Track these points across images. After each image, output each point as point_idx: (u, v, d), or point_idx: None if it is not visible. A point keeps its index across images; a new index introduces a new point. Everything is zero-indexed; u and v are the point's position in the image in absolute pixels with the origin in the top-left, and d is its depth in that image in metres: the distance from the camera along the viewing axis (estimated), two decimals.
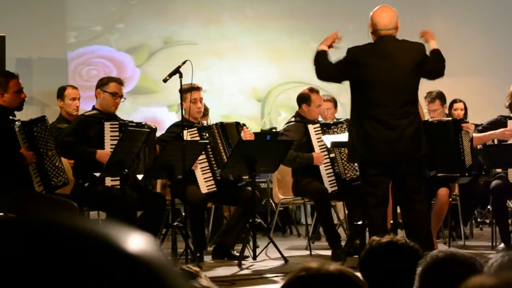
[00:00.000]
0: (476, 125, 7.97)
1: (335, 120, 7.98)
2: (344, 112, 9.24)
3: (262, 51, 11.37)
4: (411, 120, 6.22)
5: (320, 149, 7.57)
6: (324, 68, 6.41)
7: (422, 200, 6.38)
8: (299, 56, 10.90)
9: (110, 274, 0.66)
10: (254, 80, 11.38)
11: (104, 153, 6.64)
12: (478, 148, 7.41)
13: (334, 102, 8.26)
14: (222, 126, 7.53)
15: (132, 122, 7.11)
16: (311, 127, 7.61)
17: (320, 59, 6.43)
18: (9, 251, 0.65)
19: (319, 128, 7.62)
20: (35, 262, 0.65)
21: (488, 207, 8.58)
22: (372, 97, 6.18)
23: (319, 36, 7.17)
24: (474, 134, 7.47)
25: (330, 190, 7.48)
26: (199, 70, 10.48)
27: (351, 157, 6.61)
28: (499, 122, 7.58)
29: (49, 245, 0.66)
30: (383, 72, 6.17)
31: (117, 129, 6.81)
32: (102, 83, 7.04)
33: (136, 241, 0.69)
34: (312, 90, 7.80)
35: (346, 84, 6.44)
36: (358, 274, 2.97)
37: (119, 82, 7.07)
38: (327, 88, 8.91)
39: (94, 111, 7.00)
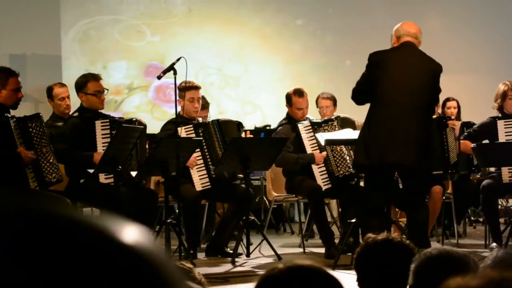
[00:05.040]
0: (468, 124, 7.98)
1: (325, 118, 7.94)
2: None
3: None
4: (424, 128, 6.20)
5: (311, 147, 7.57)
6: (355, 94, 6.37)
7: (425, 206, 6.42)
8: None
9: (106, 264, 0.66)
10: None
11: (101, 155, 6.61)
12: (472, 146, 7.42)
13: (333, 100, 8.23)
14: (218, 123, 7.51)
15: (121, 118, 7.09)
16: (301, 126, 7.60)
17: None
18: (6, 241, 0.65)
19: (310, 127, 7.61)
20: (31, 252, 0.64)
21: None
22: (386, 95, 6.14)
23: None
24: (465, 140, 7.51)
25: (323, 188, 7.48)
26: None
27: (358, 159, 6.52)
28: (491, 124, 7.58)
29: (45, 235, 0.66)
30: (400, 72, 6.16)
31: (108, 127, 6.77)
32: (81, 86, 6.90)
33: (132, 232, 0.69)
34: (296, 92, 7.71)
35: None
36: (350, 271, 2.98)
37: (96, 78, 6.96)
38: (327, 88, 8.89)
39: (83, 111, 6.93)
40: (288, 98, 7.75)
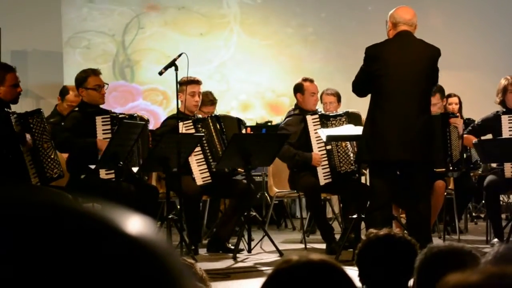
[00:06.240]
0: (469, 120, 7.95)
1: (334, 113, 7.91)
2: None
3: None
4: (425, 120, 6.17)
5: (317, 140, 7.53)
6: (356, 87, 6.35)
7: (428, 201, 6.40)
8: None
9: (109, 256, 0.65)
10: None
11: (104, 142, 6.62)
12: (473, 142, 7.41)
13: (337, 96, 8.22)
14: (217, 118, 7.52)
15: (122, 114, 7.08)
16: (309, 118, 7.52)
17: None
18: (12, 232, 0.64)
19: (318, 120, 7.56)
20: (34, 245, 0.64)
21: (483, 201, 8.59)
22: (387, 90, 6.11)
23: None
24: (468, 135, 7.50)
25: (323, 182, 7.44)
26: None
27: (361, 155, 6.51)
28: (494, 119, 7.57)
29: (48, 226, 0.65)
30: (398, 65, 6.11)
31: (109, 122, 6.77)
32: (81, 81, 6.90)
33: (136, 224, 0.69)
34: (306, 79, 7.74)
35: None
36: (353, 268, 2.97)
37: (96, 73, 6.95)
38: (330, 84, 8.86)
39: (84, 106, 6.92)
40: (299, 87, 7.69)
